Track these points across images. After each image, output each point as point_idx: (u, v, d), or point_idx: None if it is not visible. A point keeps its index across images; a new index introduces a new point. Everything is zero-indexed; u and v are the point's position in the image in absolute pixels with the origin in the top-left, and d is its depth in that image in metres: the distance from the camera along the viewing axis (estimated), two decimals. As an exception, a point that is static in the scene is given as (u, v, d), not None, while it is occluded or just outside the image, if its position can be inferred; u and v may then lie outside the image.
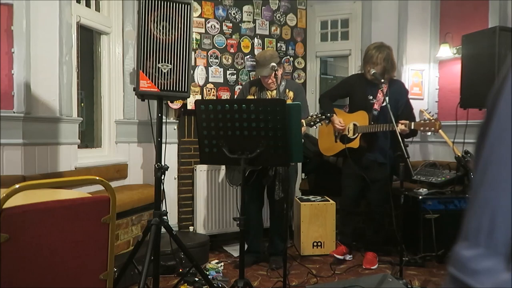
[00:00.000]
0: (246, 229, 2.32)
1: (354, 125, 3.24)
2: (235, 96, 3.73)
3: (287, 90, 3.20)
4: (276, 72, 3.05)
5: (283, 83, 3.22)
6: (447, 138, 3.52)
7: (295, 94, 3.19)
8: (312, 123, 2.78)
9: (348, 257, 3.44)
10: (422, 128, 2.85)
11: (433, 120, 2.80)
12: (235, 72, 3.87)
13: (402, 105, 3.22)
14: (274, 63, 2.98)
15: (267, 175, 3.15)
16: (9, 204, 1.11)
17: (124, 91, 3.71)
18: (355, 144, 3.21)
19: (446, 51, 4.07)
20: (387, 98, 2.93)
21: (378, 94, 3.20)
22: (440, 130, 3.27)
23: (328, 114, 2.79)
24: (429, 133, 2.89)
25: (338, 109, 3.44)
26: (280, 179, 3.11)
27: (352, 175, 3.31)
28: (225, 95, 3.82)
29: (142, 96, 2.26)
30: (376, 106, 3.21)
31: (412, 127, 2.89)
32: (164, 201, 2.39)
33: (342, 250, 3.40)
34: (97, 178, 1.39)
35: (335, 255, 3.34)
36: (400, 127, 2.88)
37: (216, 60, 3.79)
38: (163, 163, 2.29)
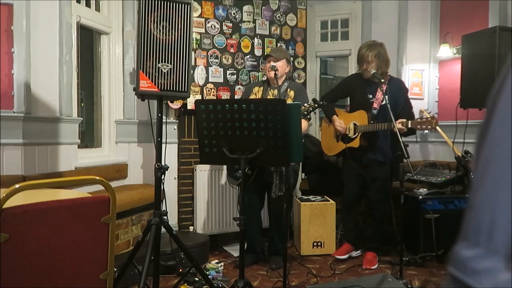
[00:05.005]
0: (246, 228, 2.31)
1: (354, 124, 3.26)
2: (238, 97, 3.74)
3: (288, 90, 3.24)
4: (276, 72, 3.08)
5: (285, 83, 3.25)
6: (447, 138, 3.52)
7: (296, 93, 3.21)
8: (306, 112, 2.78)
9: (355, 253, 3.47)
10: (419, 127, 2.86)
11: (429, 118, 2.81)
12: (235, 72, 3.87)
13: (402, 104, 3.23)
14: (286, 57, 3.24)
15: (267, 172, 3.15)
16: (9, 204, 1.11)
17: (124, 91, 3.70)
18: (356, 143, 3.23)
19: (446, 51, 4.07)
20: (386, 97, 2.94)
21: (377, 93, 3.22)
22: (440, 130, 3.29)
23: (321, 102, 2.79)
24: (426, 131, 2.90)
25: (338, 109, 3.48)
26: (278, 176, 3.11)
27: (353, 173, 3.34)
28: (225, 95, 3.82)
29: (142, 96, 2.26)
30: (375, 105, 3.23)
31: (409, 126, 2.91)
32: (164, 201, 2.39)
33: (345, 249, 3.42)
34: (97, 178, 1.39)
35: (336, 256, 3.37)
36: (398, 125, 2.89)
37: (216, 60, 3.79)
38: (163, 163, 2.29)
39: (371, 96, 3.26)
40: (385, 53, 3.22)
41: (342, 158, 3.52)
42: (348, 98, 3.56)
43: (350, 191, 3.44)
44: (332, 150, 3.48)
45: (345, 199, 3.51)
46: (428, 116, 2.87)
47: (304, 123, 2.94)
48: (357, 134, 3.24)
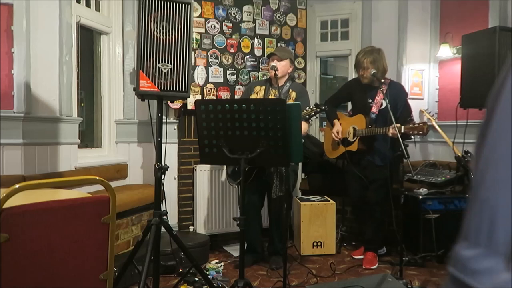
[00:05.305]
0: (246, 228, 2.31)
1: (354, 128, 3.29)
2: (240, 97, 3.74)
3: (290, 90, 3.24)
4: (276, 71, 3.09)
5: (287, 84, 3.25)
6: (447, 138, 3.52)
7: (298, 95, 3.21)
8: (308, 116, 2.78)
9: (379, 251, 3.52)
10: (411, 132, 2.88)
11: (421, 124, 2.83)
12: (235, 72, 3.87)
13: (401, 108, 3.24)
14: (289, 58, 3.26)
15: (267, 172, 3.16)
16: (9, 204, 1.11)
17: (124, 91, 3.70)
18: (354, 147, 3.29)
19: (446, 51, 4.07)
20: (387, 100, 2.96)
21: (377, 97, 3.25)
22: (440, 130, 3.30)
23: (323, 107, 2.80)
24: (418, 137, 2.92)
25: (340, 113, 3.54)
26: (278, 177, 3.11)
27: (354, 176, 3.38)
28: (225, 95, 3.82)
29: (142, 96, 2.26)
30: (374, 109, 3.24)
31: (402, 131, 2.92)
32: (164, 201, 2.39)
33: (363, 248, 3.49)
34: (97, 178, 1.39)
35: (355, 256, 3.46)
36: (391, 131, 2.92)
37: (216, 60, 3.79)
38: (163, 163, 2.29)
39: (370, 100, 3.29)
40: (381, 60, 3.21)
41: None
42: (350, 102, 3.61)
43: (353, 194, 3.50)
44: (333, 153, 3.55)
45: (351, 201, 3.61)
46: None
47: (304, 125, 2.95)
48: (356, 138, 3.27)
